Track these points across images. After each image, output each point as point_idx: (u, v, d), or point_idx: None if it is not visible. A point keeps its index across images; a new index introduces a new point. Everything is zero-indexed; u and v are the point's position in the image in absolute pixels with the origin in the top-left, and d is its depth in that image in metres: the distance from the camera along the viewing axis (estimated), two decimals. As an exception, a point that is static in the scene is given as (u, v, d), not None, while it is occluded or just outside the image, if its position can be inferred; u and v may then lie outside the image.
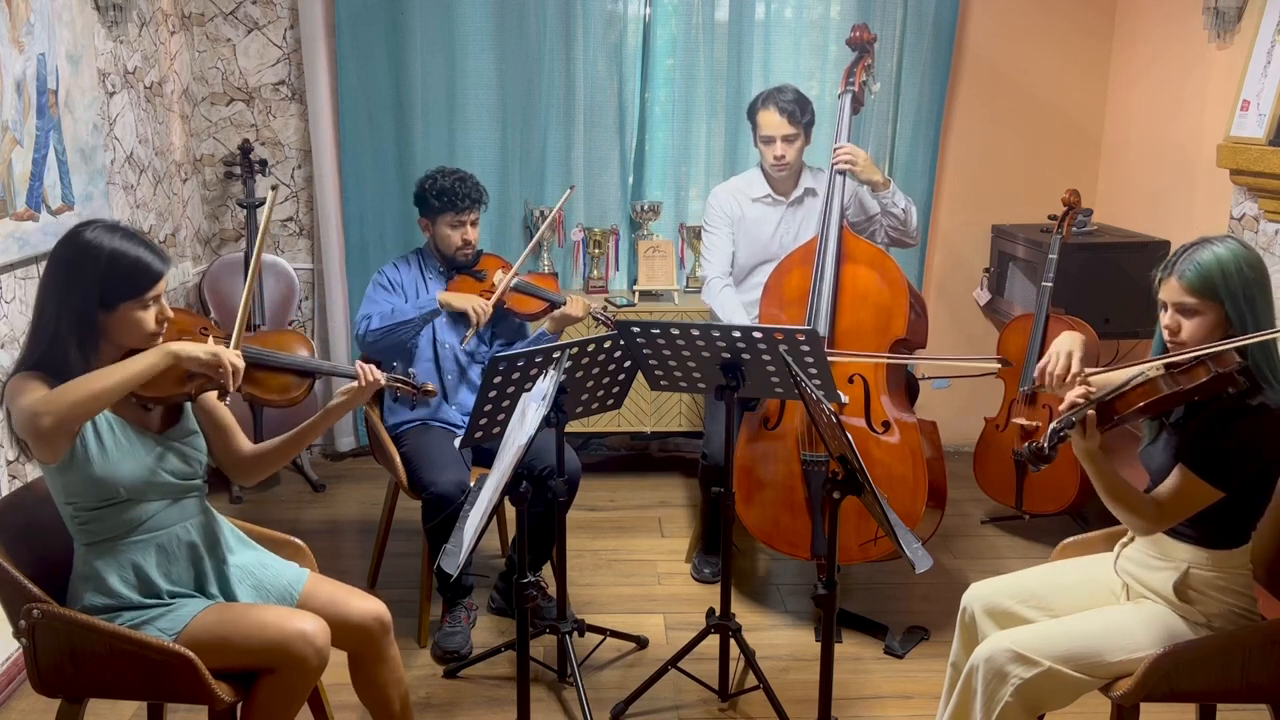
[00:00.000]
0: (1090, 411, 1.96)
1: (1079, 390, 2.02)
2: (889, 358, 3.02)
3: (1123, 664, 2.01)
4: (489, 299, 3.09)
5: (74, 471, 1.95)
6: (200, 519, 2.13)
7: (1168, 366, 1.97)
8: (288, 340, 2.34)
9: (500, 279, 3.14)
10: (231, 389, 2.01)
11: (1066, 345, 2.18)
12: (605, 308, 3.30)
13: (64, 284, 1.95)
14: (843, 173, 3.19)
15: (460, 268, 3.20)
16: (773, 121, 3.30)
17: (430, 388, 2.50)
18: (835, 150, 3.23)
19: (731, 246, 3.50)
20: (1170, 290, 2.01)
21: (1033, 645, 2.02)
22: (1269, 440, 1.95)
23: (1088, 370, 2.16)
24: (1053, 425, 1.95)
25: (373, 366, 2.27)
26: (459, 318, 3.12)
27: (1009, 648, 2.03)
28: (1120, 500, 2.02)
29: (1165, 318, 2.04)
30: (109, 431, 1.99)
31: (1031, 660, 2.00)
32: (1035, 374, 2.22)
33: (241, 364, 2.01)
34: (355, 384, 2.25)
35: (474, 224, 3.18)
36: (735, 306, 3.39)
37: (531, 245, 3.32)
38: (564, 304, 3.12)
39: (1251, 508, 2.04)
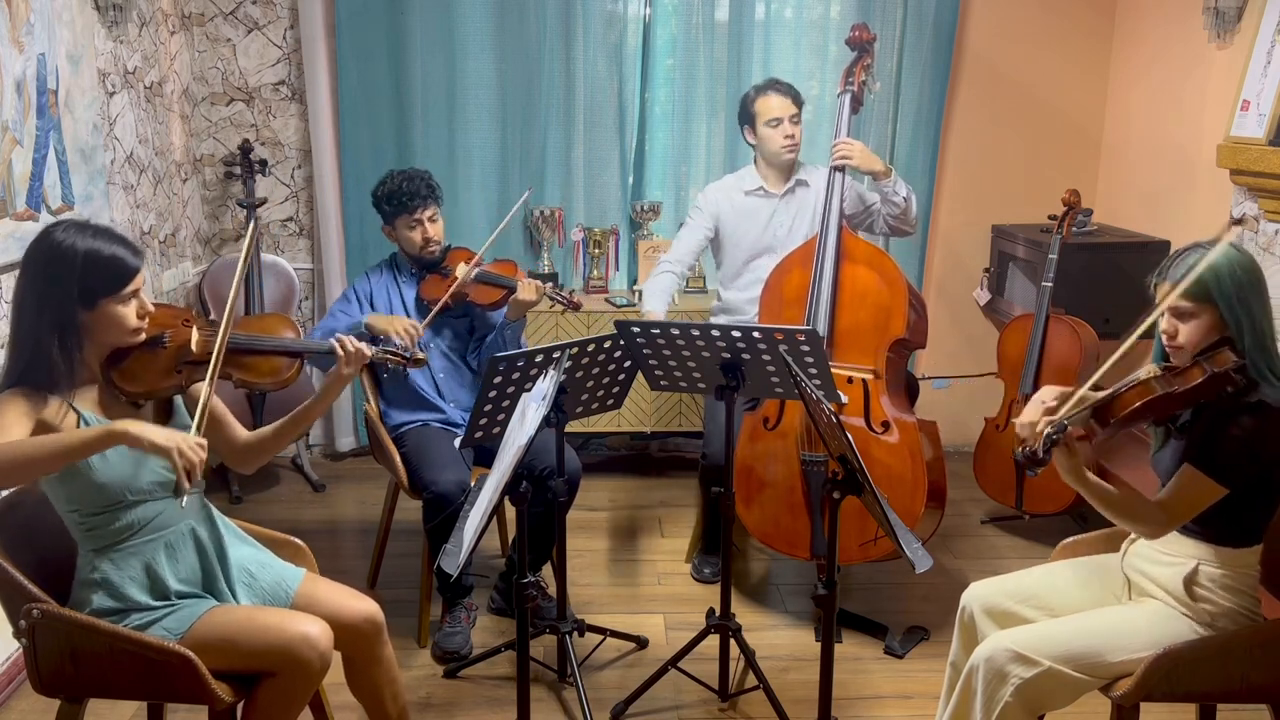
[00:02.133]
0: (1070, 429, 1.96)
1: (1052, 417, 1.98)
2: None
3: (1123, 664, 2.01)
4: (447, 292, 3.08)
5: (77, 480, 1.95)
6: (203, 513, 2.14)
7: (1165, 369, 1.99)
8: (272, 323, 2.32)
9: (463, 270, 3.13)
10: (187, 486, 1.80)
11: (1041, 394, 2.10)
12: (570, 291, 3.28)
13: (41, 287, 1.93)
14: (841, 168, 3.20)
15: (429, 266, 3.20)
16: (777, 103, 3.36)
17: (421, 355, 2.49)
18: (833, 146, 3.25)
19: (701, 243, 3.51)
20: (1165, 295, 2.03)
21: (1033, 645, 2.02)
22: (1266, 437, 1.95)
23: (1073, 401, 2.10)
24: (1045, 431, 1.95)
25: (352, 339, 2.25)
26: (438, 324, 3.12)
27: (1009, 647, 2.03)
28: (1119, 511, 2.03)
29: (1163, 323, 2.06)
30: None
31: (1032, 660, 2.00)
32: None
33: (202, 455, 1.83)
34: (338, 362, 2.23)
35: (432, 219, 3.15)
36: (659, 291, 3.38)
37: (493, 236, 3.27)
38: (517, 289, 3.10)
39: (1263, 507, 2.04)
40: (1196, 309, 1.99)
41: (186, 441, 1.82)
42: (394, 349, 2.42)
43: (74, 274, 1.92)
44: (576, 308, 3.22)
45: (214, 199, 4.36)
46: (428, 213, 3.13)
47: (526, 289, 3.08)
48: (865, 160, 3.24)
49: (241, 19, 4.21)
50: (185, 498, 1.83)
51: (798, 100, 3.40)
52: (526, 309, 3.15)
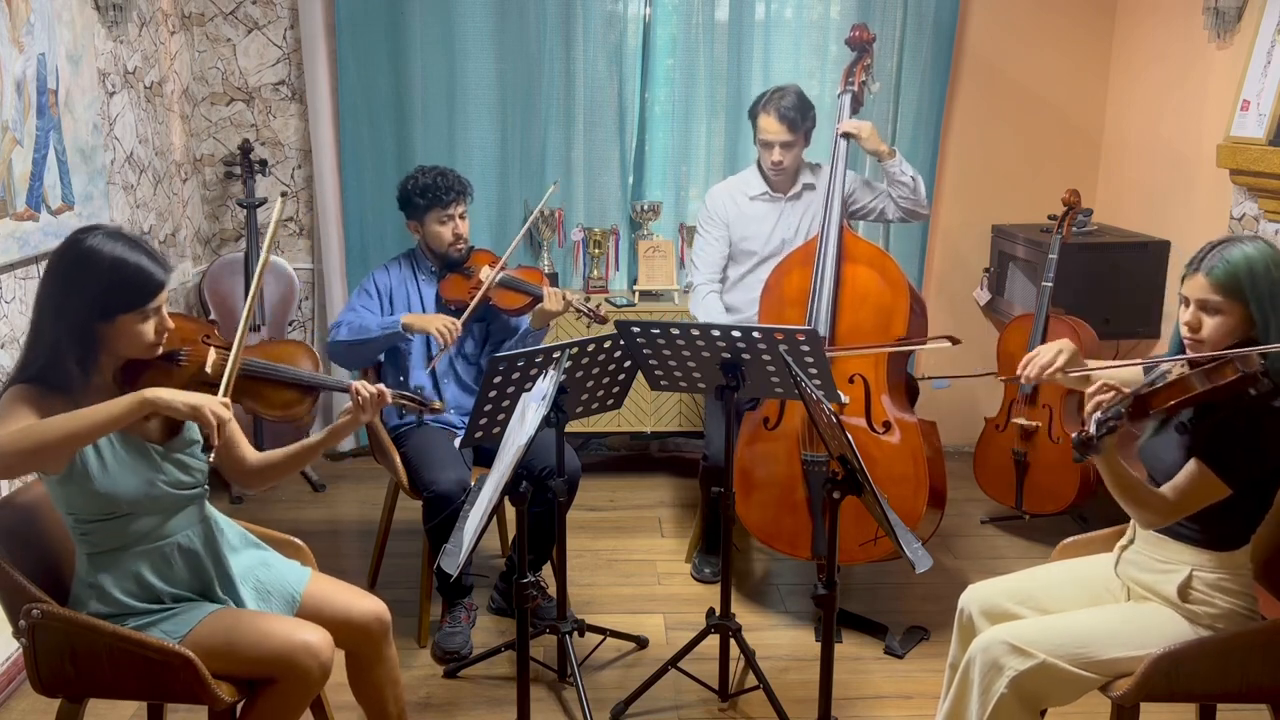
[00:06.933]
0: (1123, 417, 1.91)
1: (1097, 385, 1.98)
2: (888, 347, 3.02)
3: (1121, 661, 2.01)
4: (474, 295, 3.08)
5: (74, 485, 1.93)
6: (200, 525, 2.10)
7: (1191, 364, 1.93)
8: (292, 352, 2.27)
9: (487, 274, 3.13)
10: (215, 442, 1.87)
11: (1059, 344, 2.20)
12: (588, 299, 3.27)
13: (62, 294, 1.91)
14: (847, 136, 3.23)
15: (452, 265, 3.19)
16: (772, 127, 3.30)
17: (438, 405, 2.48)
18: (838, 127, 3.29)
19: (724, 251, 3.49)
20: (1195, 286, 1.98)
21: (1029, 638, 2.02)
22: None
23: (1089, 365, 2.17)
24: (1097, 416, 1.89)
25: (366, 385, 2.17)
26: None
27: (1005, 640, 2.03)
28: (1130, 494, 2.00)
29: (1186, 314, 2.01)
30: (109, 446, 1.95)
31: (1027, 652, 2.00)
32: (1021, 364, 2.21)
33: (227, 414, 1.90)
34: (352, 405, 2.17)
35: (462, 217, 3.16)
36: (719, 315, 3.39)
37: (518, 239, 3.29)
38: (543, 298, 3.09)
39: (1256, 509, 2.04)
40: (1226, 304, 1.95)
41: (214, 402, 1.88)
42: (411, 396, 2.38)
43: (96, 284, 1.89)
44: (603, 321, 3.13)
45: (214, 199, 4.36)
46: (459, 209, 3.14)
47: (552, 299, 3.07)
48: (872, 139, 3.27)
49: (241, 19, 4.21)
50: (211, 453, 1.91)
51: (796, 126, 3.28)
52: (551, 319, 3.13)
